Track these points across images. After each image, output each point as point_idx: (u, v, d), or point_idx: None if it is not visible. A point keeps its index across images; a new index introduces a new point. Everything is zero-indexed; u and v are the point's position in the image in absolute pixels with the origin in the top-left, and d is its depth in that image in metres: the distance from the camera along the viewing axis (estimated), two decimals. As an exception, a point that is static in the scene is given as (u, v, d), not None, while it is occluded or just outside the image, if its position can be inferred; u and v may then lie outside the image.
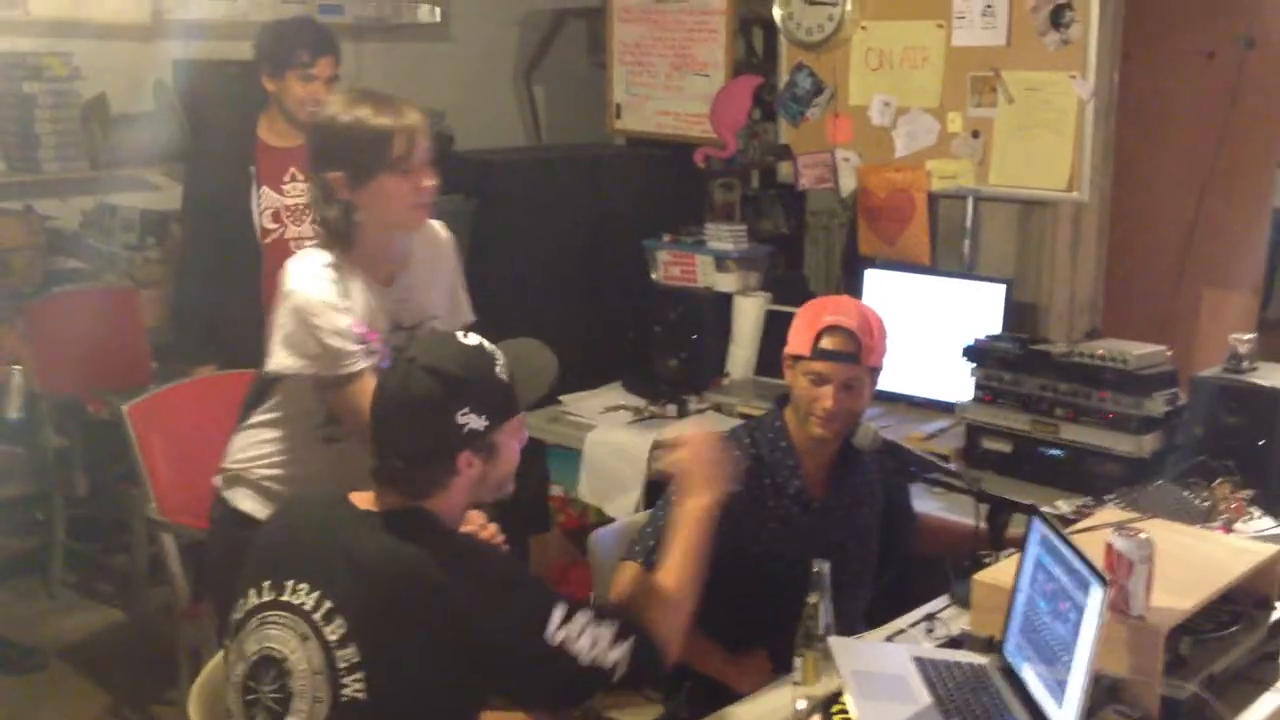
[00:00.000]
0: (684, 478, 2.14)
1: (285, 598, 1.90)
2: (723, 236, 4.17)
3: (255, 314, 3.43)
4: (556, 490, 3.87)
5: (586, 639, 1.86)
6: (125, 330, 4.38)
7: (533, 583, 1.94)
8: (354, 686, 1.83)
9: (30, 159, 4.43)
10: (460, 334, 2.00)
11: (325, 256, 2.49)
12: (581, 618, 1.88)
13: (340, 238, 2.47)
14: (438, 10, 5.45)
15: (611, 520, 3.25)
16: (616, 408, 3.91)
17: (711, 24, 4.56)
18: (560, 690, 1.91)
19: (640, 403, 3.92)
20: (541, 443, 3.77)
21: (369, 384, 2.42)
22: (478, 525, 2.26)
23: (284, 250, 3.70)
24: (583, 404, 3.94)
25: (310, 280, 2.43)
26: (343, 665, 1.83)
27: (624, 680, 1.91)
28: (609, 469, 3.66)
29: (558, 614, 1.86)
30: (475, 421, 1.90)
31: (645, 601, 2.01)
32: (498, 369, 1.95)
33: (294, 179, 3.64)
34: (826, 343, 2.55)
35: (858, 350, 2.55)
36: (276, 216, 3.66)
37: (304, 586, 1.89)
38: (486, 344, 1.98)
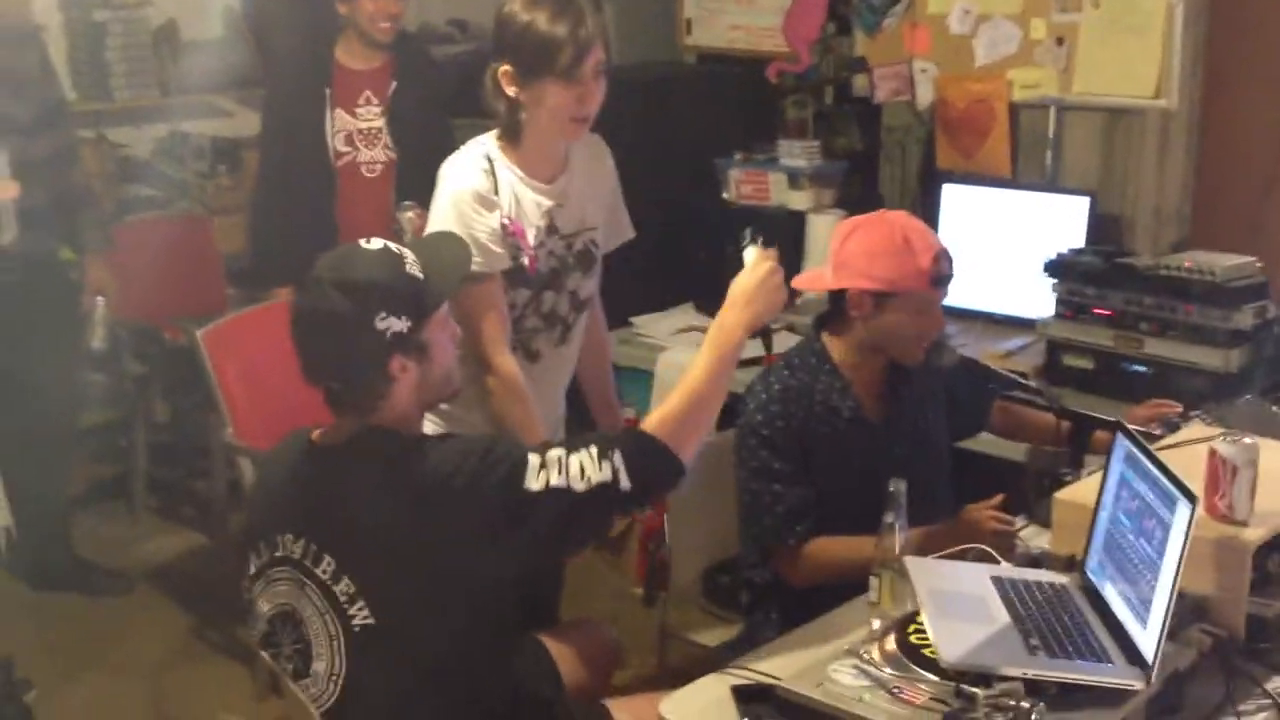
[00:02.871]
0: (735, 292, 2.10)
1: (280, 553, 1.93)
2: (796, 153, 4.09)
3: (330, 237, 3.45)
4: (629, 413, 3.85)
5: (572, 468, 1.86)
6: (200, 257, 4.42)
7: (497, 444, 1.93)
8: (360, 615, 1.85)
9: (102, 87, 4.46)
10: (363, 241, 1.96)
11: (486, 146, 2.51)
12: (556, 452, 1.88)
13: (506, 130, 2.50)
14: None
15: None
16: (688, 329, 3.87)
17: (782, -65, 4.44)
18: (574, 526, 1.90)
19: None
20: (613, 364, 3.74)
21: (488, 291, 2.43)
22: None
23: (356, 174, 3.72)
24: (654, 325, 3.90)
25: (464, 171, 2.46)
26: (343, 599, 1.86)
27: (641, 489, 1.89)
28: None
29: (533, 460, 1.86)
30: (396, 324, 1.88)
31: (650, 420, 1.97)
32: (408, 267, 1.93)
33: (368, 102, 3.65)
34: (945, 268, 2.44)
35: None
36: (349, 140, 3.66)
37: (289, 537, 1.92)
38: (392, 245, 1.96)
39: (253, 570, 1.98)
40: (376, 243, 1.96)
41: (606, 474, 1.87)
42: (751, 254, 2.14)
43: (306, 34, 3.93)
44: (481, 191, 2.47)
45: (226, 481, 4.04)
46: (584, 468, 1.87)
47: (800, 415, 2.48)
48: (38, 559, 3.87)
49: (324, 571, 1.87)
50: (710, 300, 3.99)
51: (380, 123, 3.69)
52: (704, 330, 3.70)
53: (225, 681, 3.43)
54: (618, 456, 1.89)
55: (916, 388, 2.60)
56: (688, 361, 3.52)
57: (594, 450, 1.88)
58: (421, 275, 1.94)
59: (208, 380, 3.34)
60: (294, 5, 4.53)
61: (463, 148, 2.55)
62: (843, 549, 2.41)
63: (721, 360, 2.04)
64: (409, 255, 1.95)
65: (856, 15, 4.10)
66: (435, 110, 3.78)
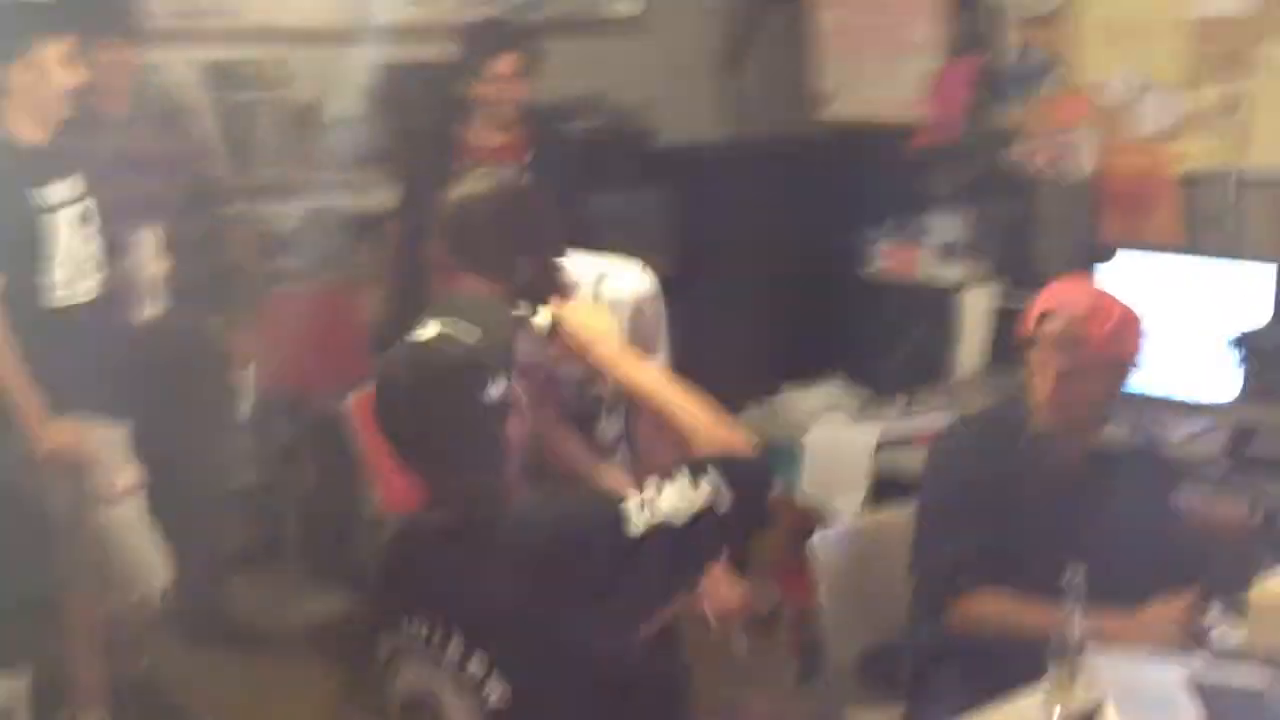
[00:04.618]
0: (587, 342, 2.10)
1: (410, 636, 1.91)
2: (945, 226, 4.01)
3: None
4: (776, 489, 3.78)
5: (666, 503, 1.81)
6: (344, 326, 4.47)
7: (595, 497, 1.96)
8: (493, 695, 1.82)
9: (249, 165, 4.56)
10: (412, 337, 1.91)
11: None
12: (649, 491, 1.83)
13: None
14: (637, 2, 5.38)
15: (833, 522, 3.15)
16: (836, 403, 3.79)
17: (924, 2, 4.38)
18: (681, 560, 1.86)
19: (862, 397, 3.79)
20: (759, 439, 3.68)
21: None
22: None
23: None
24: (800, 399, 3.83)
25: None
26: (475, 678, 1.83)
27: (742, 502, 1.84)
28: (831, 466, 3.55)
29: (630, 504, 1.82)
30: (496, 388, 1.85)
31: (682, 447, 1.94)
32: (465, 336, 1.87)
33: None
34: (1047, 326, 2.39)
35: (1081, 336, 2.37)
36: None
37: (417, 619, 1.89)
38: (439, 330, 1.89)
39: (386, 653, 1.96)
40: (424, 333, 1.90)
41: (704, 497, 1.83)
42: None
43: (437, 113, 4.00)
44: None
45: (373, 547, 4.06)
46: (680, 496, 1.83)
47: (989, 452, 2.39)
48: (194, 618, 3.94)
49: (454, 652, 1.84)
50: (858, 374, 3.96)
51: None
52: (854, 405, 3.70)
53: (373, 745, 3.42)
54: (713, 475, 1.85)
55: (1114, 481, 2.49)
56: (840, 439, 3.50)
57: (688, 474, 1.85)
58: (482, 333, 1.89)
59: (354, 447, 3.37)
60: (426, 86, 4.59)
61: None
62: (1015, 611, 2.33)
63: (659, 379, 2.08)
64: (453, 325, 1.90)
65: (1007, 82, 4.01)
66: (564, 185, 3.81)
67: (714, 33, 5.70)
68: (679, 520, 1.81)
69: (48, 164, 3.30)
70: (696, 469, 1.85)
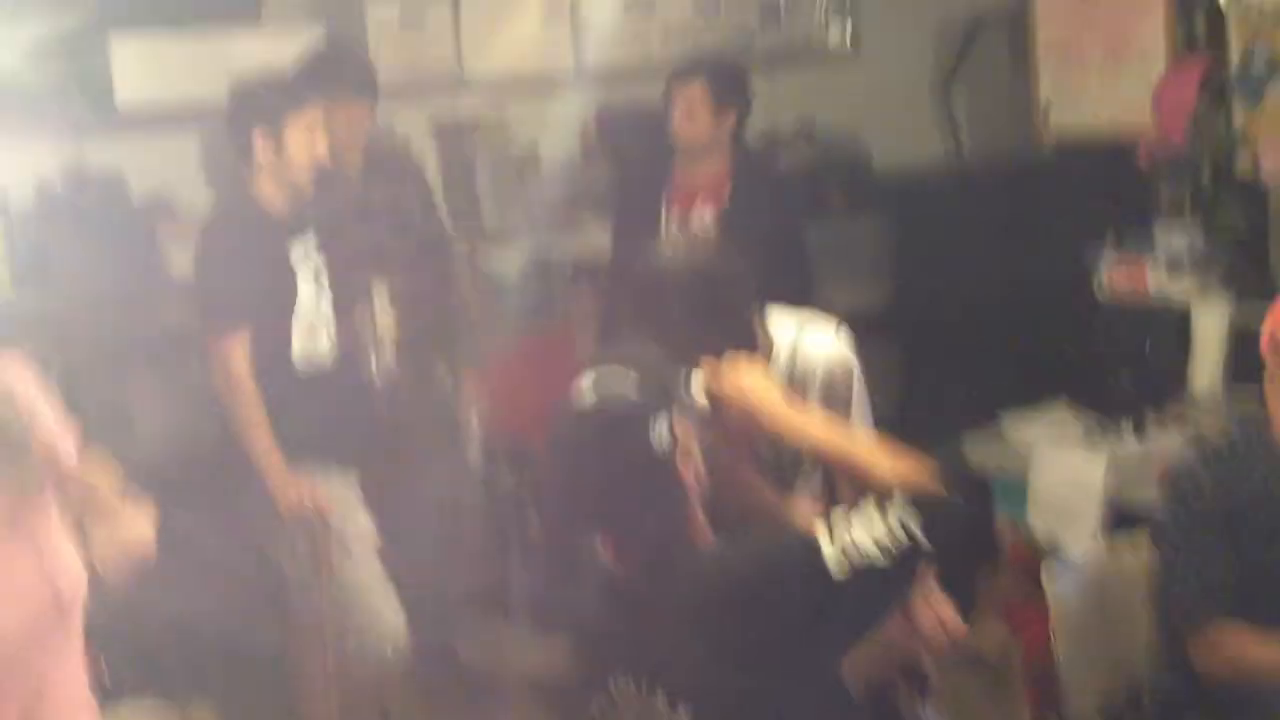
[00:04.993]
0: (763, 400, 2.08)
1: (615, 694, 1.91)
2: (1174, 239, 3.84)
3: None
4: (1002, 519, 3.67)
5: (860, 537, 1.78)
6: (567, 372, 4.53)
7: (786, 536, 1.89)
8: None
9: (473, 215, 4.69)
10: (583, 386, 1.92)
11: None
12: (839, 523, 1.81)
13: None
14: (848, 31, 5.35)
15: (1064, 556, 3.04)
16: (1062, 430, 3.66)
17: (1148, 6, 4.21)
18: (884, 592, 1.83)
19: (1091, 422, 3.65)
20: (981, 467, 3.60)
21: None
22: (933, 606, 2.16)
23: None
24: (1026, 425, 3.71)
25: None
26: None
27: (934, 534, 1.80)
28: (1059, 497, 3.42)
29: (824, 542, 1.79)
30: (663, 427, 1.86)
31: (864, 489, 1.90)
32: (628, 379, 1.89)
33: (701, 211, 3.73)
34: None
35: None
36: None
37: (621, 675, 1.89)
38: (599, 378, 1.91)
39: (596, 708, 1.96)
40: (584, 384, 1.92)
41: (898, 530, 1.79)
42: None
43: (649, 150, 4.05)
44: None
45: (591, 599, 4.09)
46: (871, 529, 1.79)
47: (1231, 481, 2.28)
48: (426, 668, 4.00)
49: (660, 706, 1.84)
50: (1086, 397, 3.82)
51: (712, 231, 3.77)
52: (1083, 430, 3.56)
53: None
54: (901, 509, 1.81)
55: None
56: (1067, 467, 3.38)
57: (875, 511, 1.81)
58: (639, 376, 1.92)
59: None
60: (638, 124, 4.64)
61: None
62: (1271, 651, 2.22)
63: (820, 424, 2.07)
64: (613, 371, 1.92)
65: (1235, 85, 3.82)
66: (774, 216, 3.80)
67: (928, 57, 5.62)
68: (875, 554, 1.78)
69: (291, 225, 3.47)
70: (884, 502, 1.83)
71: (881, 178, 4.96)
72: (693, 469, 1.90)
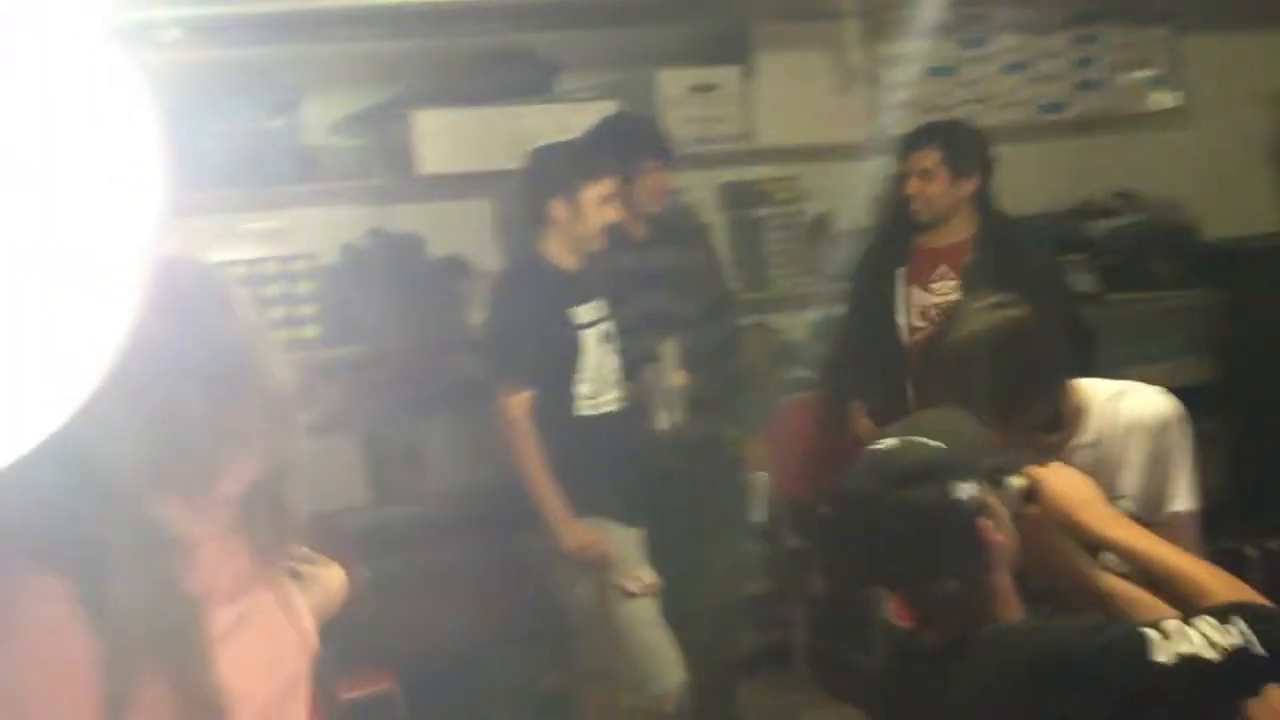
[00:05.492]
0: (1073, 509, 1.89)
1: None
2: None
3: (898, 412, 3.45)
4: None
5: (1196, 637, 1.63)
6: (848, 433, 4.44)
7: (1108, 621, 1.76)
8: None
9: (761, 277, 4.70)
10: (876, 446, 1.81)
11: None
12: (1173, 623, 1.66)
13: None
14: (1177, 95, 5.07)
15: None
16: None
17: None
18: (1211, 699, 1.67)
19: None
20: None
21: None
22: None
23: None
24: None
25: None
26: None
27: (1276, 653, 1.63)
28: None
29: (1152, 633, 1.65)
30: (968, 489, 1.75)
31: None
32: (930, 443, 1.78)
33: (944, 277, 3.63)
34: None
35: None
36: (924, 315, 3.63)
37: None
38: (904, 437, 1.80)
39: None
40: (888, 440, 1.82)
41: (1237, 638, 1.63)
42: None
43: (895, 215, 3.96)
44: None
45: (878, 661, 3.95)
46: (1209, 635, 1.63)
47: None
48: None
49: None
50: None
51: (956, 297, 3.65)
52: None
53: None
54: (1240, 622, 1.64)
55: None
56: None
57: (1211, 619, 1.65)
58: (943, 445, 1.79)
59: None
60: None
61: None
62: None
63: (1158, 542, 1.88)
64: (916, 436, 1.80)
65: None
66: (1024, 281, 3.66)
67: (1264, 120, 5.26)
68: (1211, 655, 1.63)
69: (579, 287, 3.55)
70: (1222, 615, 1.67)
71: (1211, 247, 4.68)
72: (1003, 532, 1.80)
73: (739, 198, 4.75)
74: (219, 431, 1.36)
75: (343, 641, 1.56)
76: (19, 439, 0.68)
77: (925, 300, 3.74)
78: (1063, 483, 1.94)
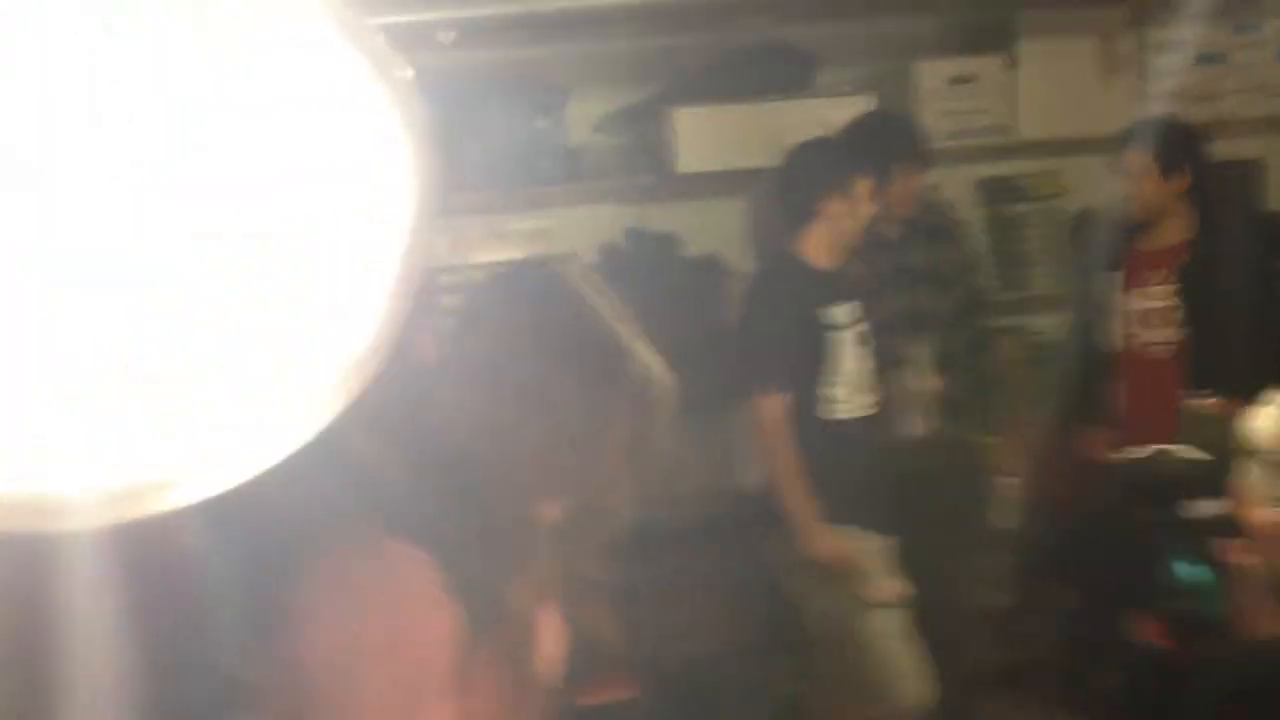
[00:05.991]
0: None
1: None
2: None
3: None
4: None
5: None
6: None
7: None
8: None
9: (1019, 276, 4.58)
10: (1135, 453, 1.72)
11: None
12: None
13: None
14: None
15: None
16: None
17: None
18: None
19: None
20: None
21: None
22: None
23: (1145, 355, 3.53)
24: None
25: None
26: None
27: None
28: None
29: None
30: (1205, 507, 1.90)
31: None
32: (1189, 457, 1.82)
33: (1163, 281, 3.50)
34: None
35: None
36: (1141, 320, 3.63)
37: None
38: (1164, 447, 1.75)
39: None
40: (1149, 450, 1.77)
41: None
42: None
43: (1113, 221, 3.85)
44: None
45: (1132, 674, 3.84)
46: None
47: None
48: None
49: None
50: None
51: (1172, 301, 3.50)
52: None
53: None
54: None
55: None
56: None
57: None
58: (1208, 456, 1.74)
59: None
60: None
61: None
62: None
63: None
64: (1186, 446, 1.75)
65: None
66: (1242, 288, 3.51)
67: None
68: None
69: (836, 287, 3.54)
70: None
71: None
72: (1256, 551, 1.75)
73: (998, 193, 4.63)
74: (593, 415, 1.41)
75: (585, 647, 1.58)
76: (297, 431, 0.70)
77: (1141, 305, 3.63)
78: None
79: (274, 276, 0.68)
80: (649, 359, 1.46)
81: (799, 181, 3.55)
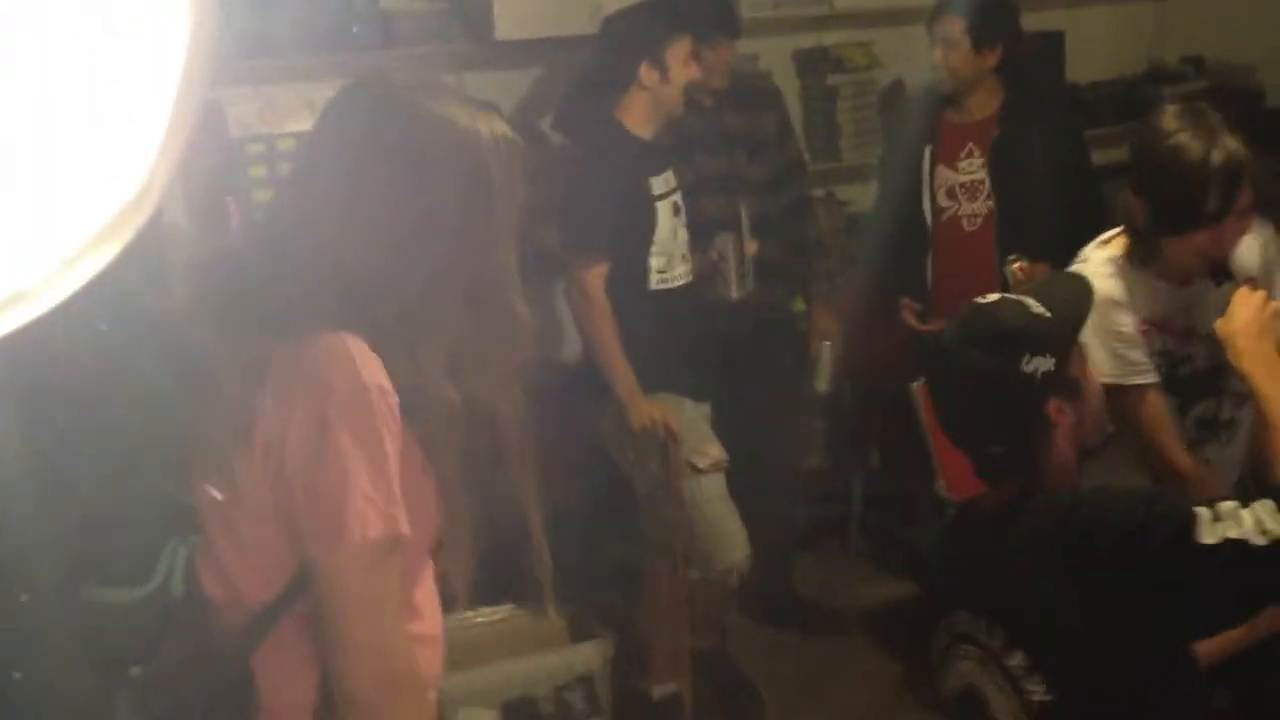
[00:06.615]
0: (1237, 332, 1.97)
1: (960, 629, 1.91)
2: None
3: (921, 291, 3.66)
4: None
5: (1247, 521, 1.68)
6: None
7: (1161, 496, 1.83)
8: (1037, 691, 1.80)
9: (832, 147, 4.67)
10: (980, 299, 1.90)
11: (1112, 253, 2.39)
12: (1228, 504, 1.71)
13: (1139, 251, 2.41)
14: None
15: None
16: None
17: None
18: (1254, 583, 1.73)
19: None
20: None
21: (1154, 402, 2.31)
22: None
23: (955, 228, 3.67)
24: None
25: (1094, 279, 2.32)
26: (1019, 674, 1.82)
27: None
28: None
29: (1203, 513, 1.70)
30: (1043, 363, 1.81)
31: (1275, 469, 1.80)
32: (1033, 308, 1.84)
33: (970, 154, 3.62)
34: None
35: None
36: (951, 194, 3.64)
37: (965, 613, 1.90)
38: (1009, 295, 1.89)
39: (937, 642, 1.98)
40: (993, 296, 1.92)
41: None
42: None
43: (922, 96, 3.95)
44: (1114, 297, 2.36)
45: (936, 533, 4.05)
46: (1262, 520, 1.69)
47: None
48: (762, 594, 4.10)
49: (998, 646, 1.84)
50: None
51: (982, 175, 3.61)
52: None
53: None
54: None
55: None
56: None
57: (1270, 503, 1.70)
58: (1048, 313, 1.86)
59: (919, 431, 3.36)
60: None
61: (1084, 257, 2.46)
62: None
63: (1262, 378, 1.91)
64: (1028, 299, 1.89)
65: None
66: (1050, 152, 3.66)
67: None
68: (1259, 541, 1.69)
69: (655, 156, 3.54)
70: None
71: (1274, 114, 4.60)
72: (1073, 408, 1.86)
73: (813, 64, 4.68)
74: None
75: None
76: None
77: (951, 178, 3.73)
78: (1249, 308, 2.03)
79: (31, 122, 0.67)
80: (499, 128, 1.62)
81: (615, 49, 3.52)
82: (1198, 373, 2.49)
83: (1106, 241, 2.48)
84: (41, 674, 1.37)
